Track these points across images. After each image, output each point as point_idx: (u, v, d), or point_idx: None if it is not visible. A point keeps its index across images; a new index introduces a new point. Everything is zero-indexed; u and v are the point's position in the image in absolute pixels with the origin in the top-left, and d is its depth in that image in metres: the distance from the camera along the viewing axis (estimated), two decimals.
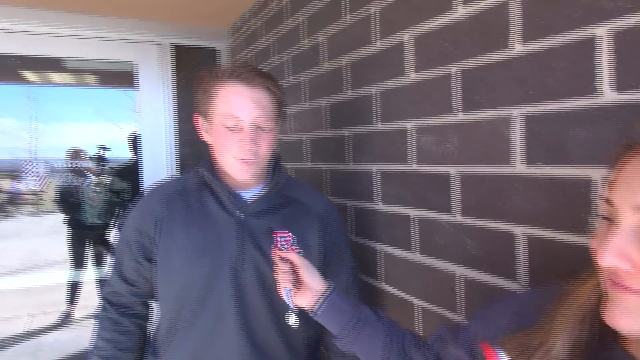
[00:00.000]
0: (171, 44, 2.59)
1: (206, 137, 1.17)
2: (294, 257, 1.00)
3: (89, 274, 3.30)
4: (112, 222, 3.10)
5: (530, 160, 0.85)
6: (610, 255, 0.46)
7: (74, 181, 2.87)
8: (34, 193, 3.07)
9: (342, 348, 0.91)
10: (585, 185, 0.75)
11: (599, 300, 0.52)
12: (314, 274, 0.98)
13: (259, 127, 1.08)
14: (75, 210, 3.04)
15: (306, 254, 1.08)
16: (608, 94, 0.72)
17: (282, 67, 1.94)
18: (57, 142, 2.81)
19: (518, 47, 0.86)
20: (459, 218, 1.03)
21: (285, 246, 1.09)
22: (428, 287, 1.15)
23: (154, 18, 2.47)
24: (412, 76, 1.16)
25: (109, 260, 3.26)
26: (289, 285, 0.96)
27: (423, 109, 1.13)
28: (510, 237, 0.90)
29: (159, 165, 2.59)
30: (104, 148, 2.99)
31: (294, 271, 0.99)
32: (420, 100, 1.14)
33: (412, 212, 1.19)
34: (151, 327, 1.27)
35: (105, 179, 3.01)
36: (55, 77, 2.97)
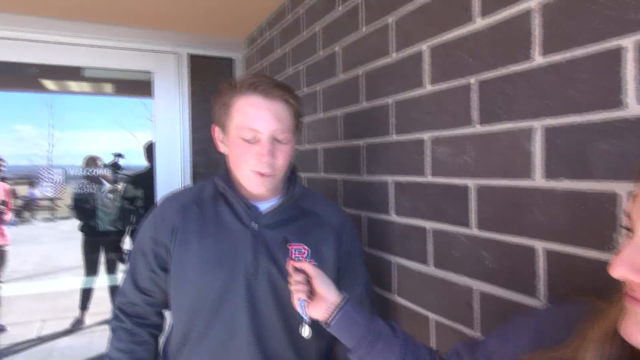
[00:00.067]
0: (188, 54, 2.62)
1: (223, 148, 1.16)
2: (308, 267, 0.99)
3: (102, 281, 3.32)
4: (126, 230, 3.12)
5: (550, 173, 0.83)
6: (621, 266, 0.45)
7: (89, 188, 2.89)
8: (50, 199, 3.10)
9: None
10: (610, 200, 0.73)
11: None
12: (328, 285, 0.96)
13: (276, 140, 1.08)
14: (89, 217, 3.07)
15: (320, 266, 1.06)
16: (634, 107, 0.70)
17: (297, 77, 1.95)
18: (73, 149, 2.85)
19: (539, 59, 0.85)
20: (476, 231, 1.02)
21: (300, 258, 1.08)
22: (443, 301, 1.13)
23: (172, 29, 2.51)
24: (429, 87, 1.15)
25: (121, 267, 3.28)
26: (303, 296, 0.95)
27: (440, 120, 1.12)
28: (529, 251, 0.88)
29: (172, 173, 2.60)
30: (119, 155, 3.02)
31: (308, 282, 0.98)
32: (437, 111, 1.13)
33: (428, 224, 1.18)
34: (162, 336, 1.27)
35: (120, 187, 3.04)
36: (74, 85, 3.01)
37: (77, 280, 3.33)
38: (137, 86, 2.99)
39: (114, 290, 3.24)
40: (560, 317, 0.65)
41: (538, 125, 0.85)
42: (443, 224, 1.12)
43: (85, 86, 3.03)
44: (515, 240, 0.91)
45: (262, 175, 1.07)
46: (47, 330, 3.26)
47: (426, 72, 1.16)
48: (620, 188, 0.72)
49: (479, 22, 0.98)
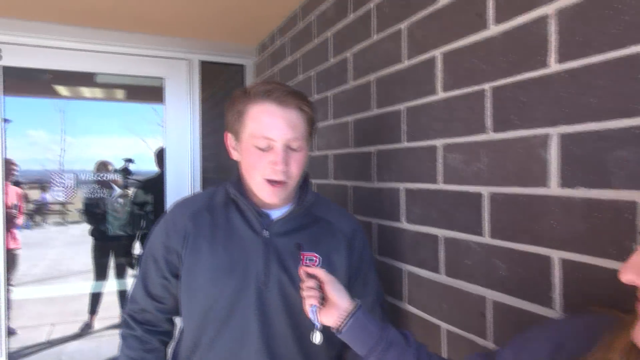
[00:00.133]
0: (199, 60, 2.64)
1: (235, 155, 1.16)
2: (320, 273, 0.98)
3: (111, 285, 3.32)
4: (136, 234, 3.13)
5: (566, 181, 0.82)
6: (630, 271, 0.46)
7: (100, 193, 2.91)
8: (61, 204, 3.13)
9: None
10: (630, 209, 0.71)
11: None
12: (340, 292, 0.95)
13: (289, 148, 1.07)
14: (99, 222, 3.09)
15: (331, 274, 1.05)
16: None
17: (308, 83, 1.95)
18: (84, 154, 2.86)
19: (555, 65, 0.84)
20: (489, 240, 1.00)
21: (311, 266, 1.07)
22: (455, 310, 1.11)
23: (183, 35, 2.53)
24: (442, 94, 1.14)
25: (130, 272, 3.29)
26: (315, 303, 0.94)
27: (452, 127, 1.11)
28: (545, 261, 0.87)
29: (182, 179, 2.61)
30: (129, 161, 3.04)
31: (321, 288, 0.97)
32: (450, 118, 1.12)
33: (440, 232, 1.16)
34: (172, 343, 1.26)
35: (130, 192, 3.05)
36: (86, 91, 3.05)
37: (87, 284, 3.34)
38: (148, 92, 3.01)
39: (122, 294, 3.24)
40: (580, 329, 0.63)
41: (554, 133, 0.84)
42: (455, 232, 1.11)
43: (97, 92, 3.06)
44: (530, 249, 0.90)
45: (274, 183, 1.06)
46: (57, 334, 3.27)
47: (439, 79, 1.15)
48: None
49: (494, 29, 0.97)
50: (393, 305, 1.36)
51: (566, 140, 0.82)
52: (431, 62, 1.17)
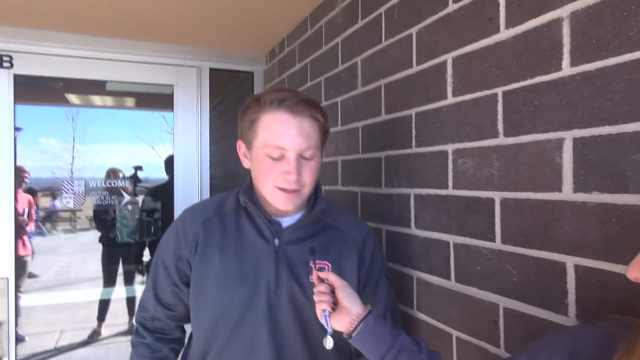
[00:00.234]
0: (209, 68, 2.66)
1: (247, 163, 1.14)
2: (333, 278, 0.98)
3: (119, 292, 3.33)
4: (144, 241, 3.14)
5: (581, 186, 0.81)
6: (635, 268, 0.47)
7: (110, 200, 2.93)
8: (71, 211, 3.14)
9: None
10: None
11: None
12: (352, 297, 0.94)
13: (302, 157, 1.05)
14: (109, 229, 3.10)
15: None
16: None
17: (317, 89, 1.95)
18: (94, 162, 2.88)
19: (568, 68, 0.83)
20: (501, 246, 0.99)
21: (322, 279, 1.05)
22: (466, 318, 1.10)
23: (193, 43, 2.55)
24: (452, 98, 1.14)
25: (139, 279, 3.29)
26: (327, 308, 0.94)
27: (463, 132, 1.10)
28: (559, 267, 0.85)
29: (191, 186, 2.62)
30: (138, 168, 3.06)
31: (333, 293, 0.96)
32: (461, 122, 1.11)
33: (450, 238, 1.15)
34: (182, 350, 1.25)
35: (139, 199, 3.06)
36: (96, 99, 3.07)
37: (95, 291, 3.34)
38: (157, 100, 3.03)
39: (131, 302, 3.24)
40: (596, 336, 0.62)
41: (567, 137, 0.83)
42: (466, 238, 1.09)
43: (107, 100, 3.08)
44: (543, 255, 0.88)
45: (287, 191, 1.05)
46: (65, 341, 3.27)
47: (449, 84, 1.14)
48: None
49: (505, 33, 0.97)
50: (403, 312, 1.35)
51: (580, 144, 0.81)
52: (442, 66, 1.17)
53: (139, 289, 3.26)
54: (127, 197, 2.98)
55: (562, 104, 0.84)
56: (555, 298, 0.86)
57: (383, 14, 1.44)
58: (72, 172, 2.89)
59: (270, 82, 2.65)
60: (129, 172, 3.01)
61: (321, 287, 0.96)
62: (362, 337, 0.89)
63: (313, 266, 1.02)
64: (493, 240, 1.01)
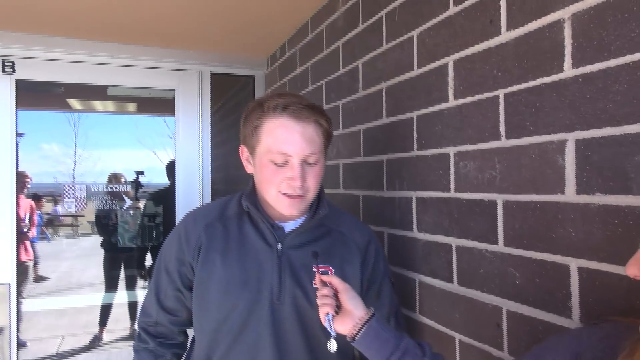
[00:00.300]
0: (211, 73, 2.67)
1: (250, 168, 1.14)
2: (336, 281, 0.97)
3: (120, 297, 3.32)
4: (146, 246, 3.14)
5: (583, 188, 0.80)
6: (634, 265, 0.48)
7: (112, 205, 2.93)
8: (73, 216, 3.15)
9: None
10: None
11: None
12: (355, 300, 0.94)
13: (306, 162, 1.04)
14: (110, 233, 3.10)
15: None
16: None
17: (318, 93, 1.95)
18: (95, 167, 2.88)
19: (570, 70, 0.83)
20: (503, 248, 0.98)
21: (325, 282, 1.05)
22: (469, 321, 1.09)
23: (195, 48, 2.56)
24: (454, 101, 1.13)
25: (141, 284, 3.29)
26: (330, 311, 0.94)
27: (465, 135, 1.10)
28: (562, 269, 0.85)
29: (192, 190, 2.62)
30: (140, 173, 3.06)
31: (336, 296, 0.96)
32: (462, 125, 1.11)
33: (452, 241, 1.14)
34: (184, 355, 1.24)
35: (141, 204, 3.07)
36: (98, 104, 3.08)
37: (97, 296, 3.34)
38: (159, 104, 3.03)
39: (133, 306, 3.24)
40: (599, 338, 0.61)
41: (570, 138, 0.83)
42: (468, 241, 1.09)
43: (109, 105, 3.09)
44: (546, 257, 0.88)
45: (291, 197, 1.04)
46: (66, 346, 3.27)
47: (450, 86, 1.14)
48: None
49: (506, 35, 0.97)
50: (405, 316, 1.34)
51: (582, 146, 0.81)
52: (443, 69, 1.17)
53: (140, 294, 3.25)
54: (128, 202, 2.98)
55: (564, 105, 0.84)
56: (559, 300, 0.85)
57: (384, 17, 1.44)
58: (73, 177, 2.90)
59: (271, 86, 2.65)
60: (130, 177, 3.01)
61: (324, 291, 0.96)
62: (365, 340, 0.89)
63: (316, 271, 1.02)
64: (495, 242, 1.00)
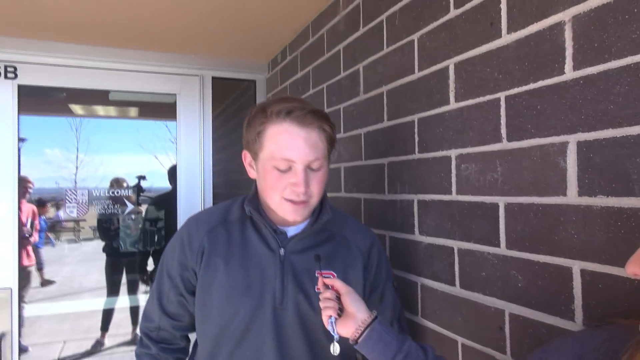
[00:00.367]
0: (213, 77, 2.68)
1: (253, 173, 1.13)
2: (338, 284, 0.97)
3: (122, 302, 3.32)
4: (148, 250, 3.14)
5: (585, 190, 0.80)
6: (634, 264, 0.48)
7: (114, 209, 2.93)
8: (75, 221, 3.15)
9: None
10: None
11: None
12: (358, 302, 0.94)
13: (310, 168, 1.04)
14: (112, 238, 3.10)
15: None
16: None
17: (319, 97, 1.96)
18: (97, 171, 2.89)
19: (570, 72, 0.83)
20: (505, 251, 0.98)
21: (328, 285, 1.05)
22: (472, 324, 1.09)
23: (196, 52, 2.57)
24: (455, 104, 1.13)
25: (142, 288, 3.28)
26: (333, 314, 0.94)
27: (466, 137, 1.10)
28: (565, 272, 0.84)
29: (194, 194, 2.62)
30: (141, 177, 3.06)
31: (338, 299, 0.96)
32: (463, 128, 1.10)
33: (454, 244, 1.14)
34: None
35: (142, 208, 3.07)
36: (100, 109, 3.09)
37: (99, 301, 3.33)
38: (160, 109, 3.04)
39: (134, 311, 3.24)
40: (602, 341, 0.61)
41: (571, 140, 0.83)
42: (470, 244, 1.09)
43: (111, 110, 3.10)
44: (549, 259, 0.88)
45: (295, 203, 1.04)
46: (68, 351, 3.26)
47: (451, 89, 1.14)
48: None
49: (507, 37, 0.97)
50: (408, 319, 1.34)
51: (584, 148, 0.80)
52: (444, 72, 1.17)
53: (142, 299, 3.25)
54: (130, 207, 2.99)
55: (565, 107, 0.84)
56: (562, 303, 0.85)
57: (384, 20, 1.44)
58: (75, 182, 2.90)
59: (272, 90, 2.66)
60: (132, 181, 3.02)
61: (327, 294, 0.96)
62: (368, 342, 0.88)
63: (319, 276, 1.01)
64: (498, 245, 1.00)
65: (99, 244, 3.16)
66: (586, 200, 0.80)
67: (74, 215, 2.80)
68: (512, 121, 0.96)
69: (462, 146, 1.11)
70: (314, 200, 1.07)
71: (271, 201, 1.07)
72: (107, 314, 3.35)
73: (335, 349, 0.93)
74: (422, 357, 0.85)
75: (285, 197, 1.04)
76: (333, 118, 1.79)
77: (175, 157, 2.68)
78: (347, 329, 0.92)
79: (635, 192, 0.72)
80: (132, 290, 3.34)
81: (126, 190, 2.97)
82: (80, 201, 2.78)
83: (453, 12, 1.13)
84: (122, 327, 3.23)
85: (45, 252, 3.54)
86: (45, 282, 3.46)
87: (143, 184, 3.07)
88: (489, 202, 1.02)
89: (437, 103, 1.20)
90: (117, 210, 2.95)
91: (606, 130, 0.76)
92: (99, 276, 3.27)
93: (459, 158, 1.12)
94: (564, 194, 0.84)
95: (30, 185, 2.78)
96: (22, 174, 2.43)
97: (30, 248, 3.20)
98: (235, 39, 2.33)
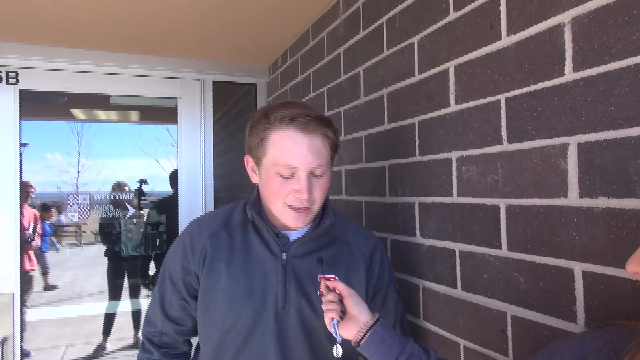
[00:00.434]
0: (213, 81, 2.68)
1: (255, 178, 1.13)
2: (340, 286, 0.97)
3: (124, 306, 3.32)
4: (149, 255, 3.14)
5: (586, 191, 0.80)
6: (635, 262, 0.48)
7: (115, 214, 2.94)
8: (76, 225, 3.15)
9: None
10: None
11: None
12: (360, 305, 0.94)
13: (313, 174, 1.03)
14: (114, 242, 3.11)
15: None
16: None
17: (320, 100, 1.96)
18: (99, 176, 2.90)
19: (570, 74, 0.83)
20: (507, 253, 0.98)
21: (330, 288, 1.05)
22: (474, 326, 1.09)
23: (197, 56, 2.57)
24: (455, 106, 1.14)
25: (144, 292, 3.28)
26: (335, 316, 0.94)
27: (467, 139, 1.10)
28: (566, 273, 0.84)
29: (195, 198, 2.63)
30: (143, 182, 3.07)
31: (341, 301, 0.96)
32: (464, 130, 1.11)
33: (456, 246, 1.14)
34: None
35: (144, 212, 3.07)
36: (101, 114, 3.10)
37: (100, 305, 3.34)
38: (161, 113, 3.05)
39: (136, 315, 3.23)
40: (604, 342, 0.61)
41: (572, 142, 0.83)
42: (472, 246, 1.09)
43: (112, 114, 3.11)
44: (550, 261, 0.87)
45: (298, 210, 1.04)
46: (70, 355, 3.26)
47: (452, 91, 1.15)
48: None
49: (507, 39, 0.97)
50: (410, 322, 1.33)
51: (585, 149, 0.80)
52: (444, 74, 1.17)
53: (144, 303, 3.25)
54: (132, 211, 2.99)
55: (565, 109, 0.84)
56: (564, 305, 0.85)
57: (384, 23, 1.44)
58: (77, 187, 2.90)
59: (273, 94, 2.66)
60: (134, 185, 3.02)
61: (329, 296, 0.96)
62: (370, 345, 0.88)
63: (321, 279, 1.01)
64: (499, 247, 1.00)
65: (101, 248, 3.16)
66: (587, 202, 0.80)
67: (76, 219, 2.81)
68: (512, 123, 0.96)
69: (462, 148, 1.11)
70: (317, 206, 1.07)
71: (274, 207, 1.07)
72: (109, 318, 3.35)
73: (338, 351, 0.93)
74: (424, 359, 0.85)
75: (288, 203, 1.03)
76: (334, 121, 1.79)
77: (176, 161, 2.69)
78: (349, 331, 0.92)
79: (637, 194, 0.72)
80: (134, 294, 3.34)
81: (128, 195, 2.97)
82: (82, 205, 2.78)
83: (453, 15, 1.14)
84: (123, 332, 3.23)
85: (49, 256, 3.54)
86: (48, 287, 3.47)
87: (144, 188, 3.08)
88: (490, 204, 1.02)
89: (437, 105, 1.20)
90: (119, 215, 2.95)
91: (607, 132, 0.76)
92: (101, 280, 3.27)
93: (460, 160, 1.12)
94: (565, 196, 0.84)
95: (32, 190, 2.78)
96: (23, 178, 2.43)
97: (32, 253, 3.21)
98: (235, 43, 2.34)
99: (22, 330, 2.37)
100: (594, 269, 0.79)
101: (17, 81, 2.29)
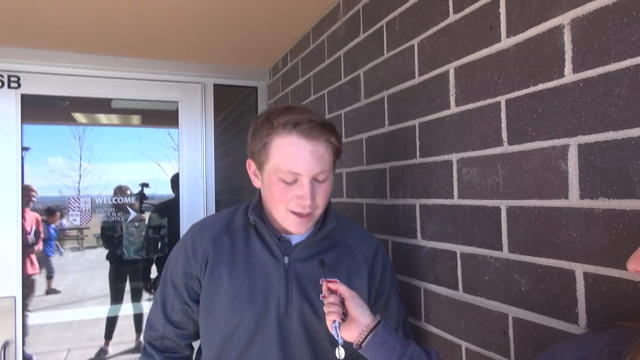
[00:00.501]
0: (214, 84, 2.69)
1: (257, 182, 1.12)
2: (342, 288, 0.97)
3: (126, 310, 3.32)
4: (151, 258, 3.14)
5: (587, 192, 0.80)
6: (635, 260, 0.48)
7: (117, 217, 2.94)
8: (78, 229, 3.16)
9: None
10: None
11: None
12: (361, 307, 0.94)
13: (316, 180, 1.03)
14: (116, 246, 3.11)
15: None
16: None
17: (320, 103, 1.96)
18: (100, 179, 2.90)
19: (570, 75, 0.83)
20: (508, 254, 0.98)
21: (332, 290, 1.04)
22: (475, 328, 1.08)
23: (197, 60, 2.58)
24: (455, 108, 1.14)
25: (146, 296, 3.28)
26: (337, 319, 0.94)
27: (467, 141, 1.10)
28: (568, 275, 0.84)
29: (196, 201, 2.63)
30: (145, 185, 3.07)
31: (342, 304, 0.96)
32: (464, 132, 1.11)
33: (457, 248, 1.14)
34: None
35: (145, 216, 3.08)
36: (103, 118, 3.11)
37: (102, 309, 3.34)
38: (163, 117, 3.06)
39: (138, 319, 3.24)
40: (606, 343, 0.61)
41: (572, 143, 0.83)
42: (473, 248, 1.09)
43: (113, 118, 3.12)
44: (552, 263, 0.87)
45: (301, 216, 1.03)
46: (72, 359, 3.26)
47: (452, 93, 1.15)
48: None
49: (507, 41, 0.97)
50: (411, 324, 1.33)
51: (585, 151, 0.80)
52: (444, 76, 1.17)
53: (146, 306, 3.25)
54: (133, 214, 2.99)
55: (565, 110, 0.84)
56: (565, 306, 0.85)
57: (384, 26, 1.45)
58: (79, 191, 2.91)
59: (274, 97, 2.67)
60: (135, 189, 3.03)
61: (331, 299, 0.96)
62: (371, 347, 0.88)
63: (323, 282, 1.01)
64: (500, 249, 1.00)
65: (103, 251, 3.17)
66: (588, 203, 0.80)
67: (78, 223, 2.81)
68: (512, 125, 0.96)
69: (463, 150, 1.11)
70: (319, 211, 1.07)
71: (276, 212, 1.06)
72: (111, 322, 3.35)
73: (340, 353, 0.93)
74: None
75: (291, 209, 1.03)
76: (334, 123, 1.80)
77: (177, 164, 2.69)
78: (351, 333, 0.92)
79: (637, 194, 0.72)
80: (136, 297, 3.34)
81: (129, 198, 2.97)
82: (84, 209, 2.79)
83: (452, 17, 1.14)
84: (125, 335, 3.23)
85: (54, 260, 3.55)
86: (50, 291, 3.48)
87: (146, 191, 3.08)
88: (491, 205, 1.02)
89: (437, 107, 1.20)
90: (121, 218, 2.96)
91: (607, 133, 0.76)
92: (103, 284, 3.28)
93: (460, 162, 1.12)
94: (566, 197, 0.84)
95: (34, 194, 2.79)
96: (25, 182, 2.44)
97: (34, 256, 3.21)
98: (236, 46, 2.35)
99: (24, 334, 2.37)
100: (595, 270, 0.79)
101: (19, 85, 2.30)
